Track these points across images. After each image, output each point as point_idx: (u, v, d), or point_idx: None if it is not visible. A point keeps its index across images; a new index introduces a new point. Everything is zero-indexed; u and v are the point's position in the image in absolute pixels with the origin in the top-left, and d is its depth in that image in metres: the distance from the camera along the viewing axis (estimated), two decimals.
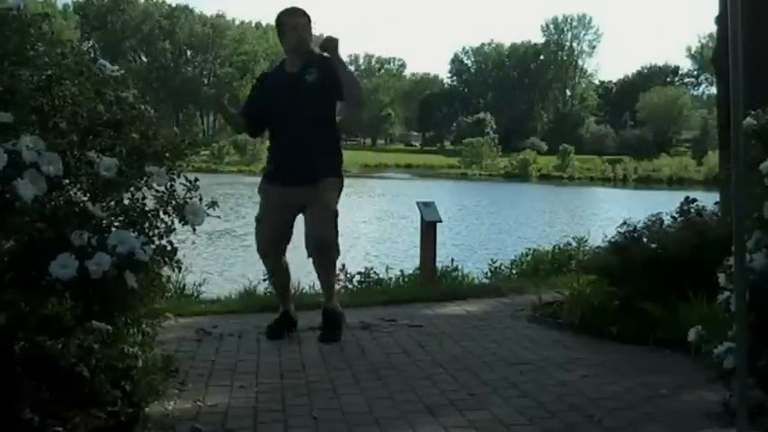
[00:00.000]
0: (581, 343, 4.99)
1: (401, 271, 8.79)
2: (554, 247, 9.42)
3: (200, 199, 3.15)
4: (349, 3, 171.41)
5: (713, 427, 3.19)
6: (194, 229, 3.13)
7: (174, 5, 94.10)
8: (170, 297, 5.73)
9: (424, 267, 7.84)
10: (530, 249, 9.57)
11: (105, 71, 3.10)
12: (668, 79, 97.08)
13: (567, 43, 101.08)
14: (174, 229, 3.10)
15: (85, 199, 2.86)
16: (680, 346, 4.05)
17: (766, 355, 3.04)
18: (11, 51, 2.87)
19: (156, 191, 3.08)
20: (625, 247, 5.29)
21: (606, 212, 25.54)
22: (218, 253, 15.45)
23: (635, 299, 5.01)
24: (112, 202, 3.00)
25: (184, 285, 7.12)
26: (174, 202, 3.08)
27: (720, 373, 3.13)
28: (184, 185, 3.15)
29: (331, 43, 4.97)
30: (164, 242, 3.08)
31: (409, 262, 10.33)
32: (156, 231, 3.06)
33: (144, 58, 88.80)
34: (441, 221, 7.89)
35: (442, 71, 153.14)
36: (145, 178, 3.04)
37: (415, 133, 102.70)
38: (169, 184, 3.09)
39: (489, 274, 9.03)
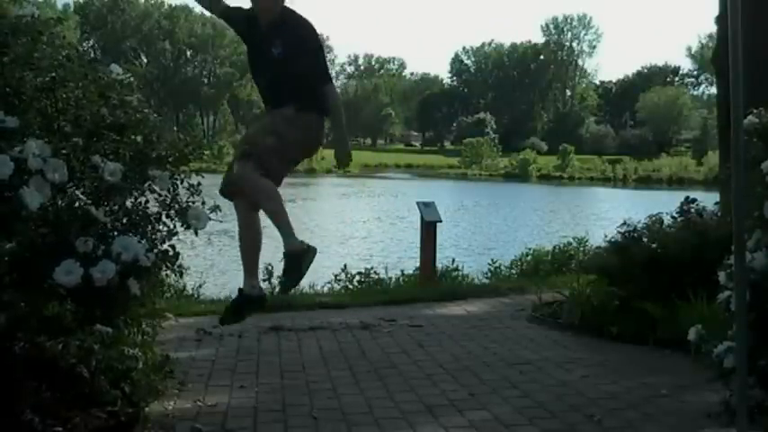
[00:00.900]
0: (581, 343, 4.99)
1: (401, 271, 8.79)
2: (554, 247, 9.42)
3: (203, 203, 3.15)
4: (349, 3, 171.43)
5: (713, 426, 3.19)
6: (196, 233, 3.13)
7: (174, 5, 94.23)
8: (170, 298, 5.74)
9: (423, 267, 7.84)
10: (530, 249, 9.56)
11: (111, 75, 3.11)
12: (668, 79, 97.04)
13: (567, 43, 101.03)
14: (177, 232, 3.11)
15: (89, 202, 2.86)
16: (680, 346, 4.05)
17: (766, 354, 3.03)
18: (21, 56, 2.88)
19: (159, 195, 3.08)
20: (625, 247, 5.29)
21: (606, 213, 25.55)
22: (219, 253, 15.47)
23: (635, 299, 5.01)
24: (115, 206, 3.00)
25: (184, 286, 7.12)
26: (176, 206, 3.09)
27: (720, 372, 3.13)
28: (187, 189, 3.15)
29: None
30: (166, 247, 3.08)
31: (409, 262, 10.34)
32: (159, 235, 3.07)
33: (144, 59, 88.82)
34: (441, 221, 7.89)
35: (442, 71, 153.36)
36: (148, 182, 3.04)
37: (415, 133, 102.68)
38: (172, 188, 3.10)
39: (489, 274, 9.02)
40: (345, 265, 8.40)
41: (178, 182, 3.13)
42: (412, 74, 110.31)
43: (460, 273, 8.67)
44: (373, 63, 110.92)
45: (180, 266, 3.14)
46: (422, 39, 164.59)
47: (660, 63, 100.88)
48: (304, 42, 4.49)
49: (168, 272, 3.17)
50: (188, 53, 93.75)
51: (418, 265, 8.14)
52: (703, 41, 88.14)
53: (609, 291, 5.23)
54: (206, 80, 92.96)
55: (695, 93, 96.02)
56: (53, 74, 2.93)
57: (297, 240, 4.14)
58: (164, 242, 3.08)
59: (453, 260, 9.06)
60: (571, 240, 9.48)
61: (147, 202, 3.07)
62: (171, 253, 3.08)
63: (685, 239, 5.10)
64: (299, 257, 4.19)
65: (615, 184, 53.91)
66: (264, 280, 7.20)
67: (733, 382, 2.96)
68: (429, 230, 7.69)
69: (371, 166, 68.11)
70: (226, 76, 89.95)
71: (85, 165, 2.86)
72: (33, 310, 2.70)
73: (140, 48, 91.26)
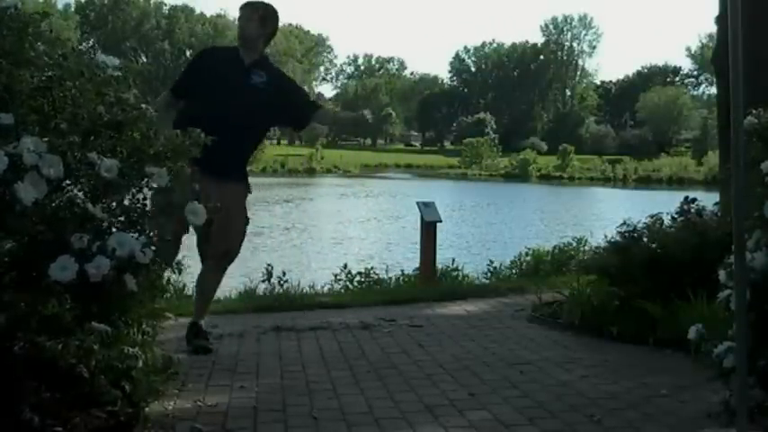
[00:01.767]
0: (581, 343, 4.99)
1: (401, 271, 8.80)
2: (554, 247, 9.42)
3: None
4: (349, 3, 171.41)
5: (713, 426, 3.19)
6: (195, 229, 3.12)
7: (174, 5, 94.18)
8: (170, 297, 5.73)
9: (423, 267, 7.84)
10: (530, 249, 9.57)
11: (107, 70, 3.09)
12: (668, 79, 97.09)
13: (567, 43, 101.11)
14: None
15: (86, 199, 2.85)
16: (680, 346, 4.05)
17: (766, 354, 3.03)
18: (8, 51, 2.86)
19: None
20: (625, 247, 5.29)
21: (606, 213, 25.54)
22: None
23: (635, 299, 5.01)
24: (113, 203, 3.00)
25: (184, 285, 7.12)
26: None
27: (720, 372, 3.13)
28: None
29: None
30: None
31: (409, 262, 10.34)
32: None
33: (144, 59, 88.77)
34: (441, 221, 7.90)
35: (442, 71, 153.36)
36: (145, 179, 3.03)
37: (415, 133, 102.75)
38: (169, 184, 3.08)
39: (489, 274, 9.03)
40: (345, 265, 8.41)
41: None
42: (412, 74, 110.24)
43: (460, 273, 8.68)
44: (373, 63, 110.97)
45: (178, 263, 3.14)
46: (422, 39, 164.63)
47: (660, 63, 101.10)
48: (287, 77, 4.83)
49: (168, 270, 3.15)
50: (188, 53, 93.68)
51: (418, 265, 8.14)
52: (703, 41, 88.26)
53: (609, 291, 5.23)
54: None
55: (695, 93, 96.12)
56: (50, 73, 2.92)
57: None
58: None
59: (453, 260, 9.07)
60: (571, 240, 9.48)
61: (144, 198, 3.06)
62: None
63: (685, 239, 5.10)
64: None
65: (615, 184, 53.93)
66: (263, 280, 7.21)
67: (733, 382, 2.96)
68: (429, 230, 7.70)
69: (371, 166, 68.17)
70: None
71: (82, 162, 2.85)
72: (33, 309, 2.69)
73: (140, 48, 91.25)
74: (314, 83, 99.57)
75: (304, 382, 4.05)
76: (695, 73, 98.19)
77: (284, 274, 7.19)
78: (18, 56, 2.88)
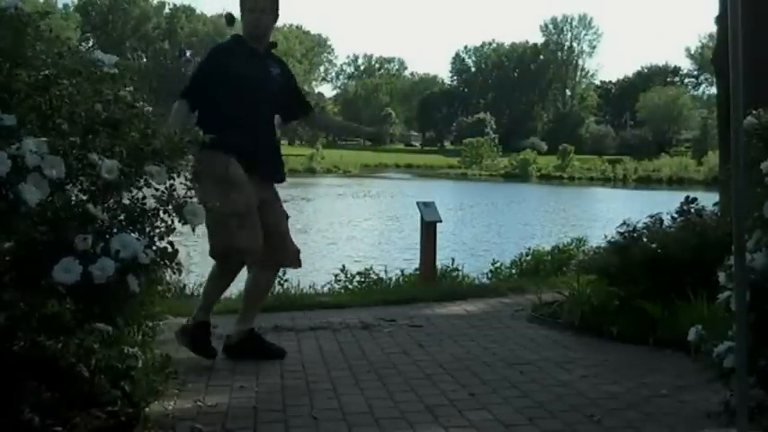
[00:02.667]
0: (581, 343, 4.99)
1: (401, 271, 8.80)
2: (554, 247, 9.43)
3: None
4: (349, 3, 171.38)
5: (713, 426, 3.19)
6: (194, 230, 3.11)
7: (175, 5, 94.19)
8: (170, 297, 5.73)
9: (424, 267, 7.85)
10: (530, 249, 9.57)
11: (103, 67, 3.09)
12: (668, 79, 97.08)
13: (567, 43, 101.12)
14: (175, 228, 3.09)
15: (86, 199, 2.85)
16: (680, 346, 4.05)
17: (766, 354, 3.03)
18: (7, 51, 2.86)
19: (156, 190, 3.07)
20: (625, 247, 5.29)
21: (606, 213, 25.54)
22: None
23: (635, 299, 5.01)
24: (113, 202, 3.00)
25: (184, 285, 7.12)
26: (173, 202, 3.07)
27: (720, 372, 3.13)
28: (184, 185, 3.13)
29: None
30: (164, 244, 3.07)
31: (409, 262, 10.34)
32: (157, 231, 3.06)
33: (144, 59, 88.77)
34: (441, 221, 7.90)
35: (443, 71, 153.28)
36: (144, 177, 3.03)
37: (415, 133, 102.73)
38: (169, 183, 3.08)
39: (489, 274, 9.03)
40: (344, 266, 8.41)
41: (175, 176, 3.10)
42: (412, 74, 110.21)
43: (460, 273, 8.68)
44: (373, 63, 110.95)
45: (178, 264, 3.13)
46: (422, 39, 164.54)
47: (660, 63, 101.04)
48: (292, 77, 4.81)
49: (167, 270, 3.14)
50: (188, 53, 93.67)
51: (418, 265, 8.14)
52: (703, 41, 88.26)
53: (609, 291, 5.23)
54: None
55: (695, 93, 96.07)
56: (46, 72, 2.91)
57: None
58: (162, 238, 3.06)
59: (453, 260, 9.07)
60: (571, 240, 9.48)
61: (144, 197, 3.05)
62: (170, 250, 3.06)
63: (685, 239, 5.10)
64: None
65: (615, 184, 53.92)
66: None
67: (733, 382, 2.96)
68: (429, 230, 7.70)
69: (371, 166, 68.12)
70: None
71: (82, 162, 2.85)
72: (33, 309, 2.69)
73: (140, 47, 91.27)
74: (314, 83, 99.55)
75: (304, 382, 4.05)
76: (695, 73, 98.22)
77: (284, 273, 7.19)
78: (16, 55, 2.88)
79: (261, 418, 3.48)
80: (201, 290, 4.71)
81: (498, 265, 9.25)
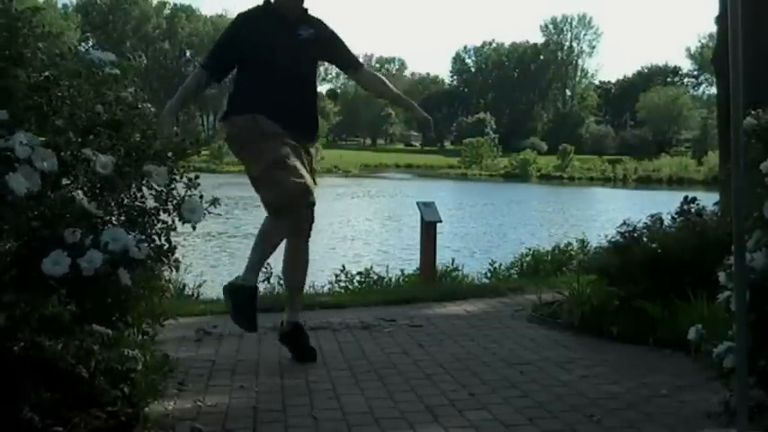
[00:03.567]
0: (581, 343, 4.99)
1: (401, 271, 8.81)
2: (554, 247, 9.43)
3: (201, 197, 3.13)
4: (349, 3, 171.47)
5: (713, 426, 3.19)
6: (194, 228, 3.11)
7: (175, 5, 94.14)
8: (170, 297, 5.72)
9: (424, 267, 7.85)
10: (530, 249, 9.58)
11: (104, 68, 3.08)
12: (668, 79, 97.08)
13: (567, 43, 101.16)
14: (175, 227, 3.09)
15: (82, 197, 2.85)
16: (680, 346, 4.05)
17: (766, 354, 3.03)
18: (1, 48, 2.85)
19: (156, 190, 3.07)
20: (625, 247, 5.29)
21: (606, 213, 25.55)
22: (219, 252, 15.48)
23: (635, 299, 5.01)
24: (111, 201, 2.99)
25: (184, 285, 7.13)
26: (173, 200, 3.07)
27: (720, 372, 3.13)
28: (184, 183, 3.13)
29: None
30: (162, 241, 3.06)
31: (409, 262, 10.35)
32: (156, 230, 3.05)
33: (144, 59, 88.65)
34: (441, 221, 7.90)
35: (443, 71, 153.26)
36: (145, 178, 3.03)
37: (415, 133, 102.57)
38: (168, 183, 3.08)
39: (489, 274, 9.03)
40: (344, 266, 8.42)
41: (177, 176, 3.10)
42: (412, 74, 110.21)
43: (460, 273, 8.68)
44: (373, 63, 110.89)
45: (176, 261, 3.12)
46: (422, 39, 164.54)
47: (660, 63, 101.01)
48: (330, 30, 4.59)
49: (165, 268, 3.14)
50: (188, 53, 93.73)
51: (418, 265, 8.14)
52: (703, 41, 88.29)
53: (609, 291, 5.23)
54: None
55: (695, 93, 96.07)
56: (47, 73, 2.91)
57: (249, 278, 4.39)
58: (161, 237, 3.06)
59: (453, 260, 9.08)
60: (571, 240, 9.49)
61: (143, 196, 3.05)
62: (166, 246, 3.06)
63: (685, 239, 5.10)
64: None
65: (615, 184, 53.95)
66: (263, 280, 7.21)
67: (733, 382, 2.96)
68: (429, 230, 7.70)
69: (371, 166, 68.14)
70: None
71: (78, 158, 2.84)
72: (33, 309, 2.69)
73: (140, 48, 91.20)
74: None
75: (304, 382, 4.05)
76: (695, 73, 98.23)
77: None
78: (11, 52, 2.87)
79: (261, 418, 3.48)
80: (250, 251, 4.48)
81: (498, 265, 9.25)
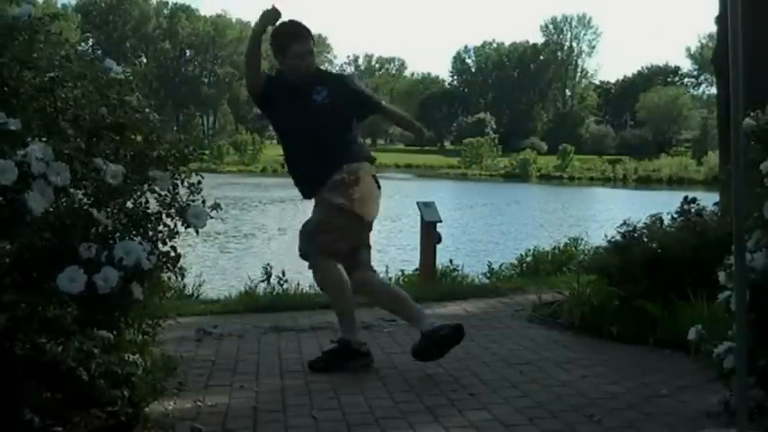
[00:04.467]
0: (581, 343, 4.99)
1: (401, 271, 8.79)
2: (554, 247, 9.42)
3: (203, 202, 3.14)
4: (349, 3, 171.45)
5: (713, 426, 3.19)
6: (197, 232, 3.12)
7: (175, 5, 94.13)
8: (170, 297, 5.73)
9: (424, 267, 7.84)
10: (530, 249, 9.57)
11: (110, 73, 3.09)
12: (668, 79, 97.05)
13: (567, 43, 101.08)
14: (178, 232, 3.10)
15: (89, 203, 2.85)
16: (680, 346, 4.06)
17: (766, 354, 3.04)
18: (18, 56, 2.87)
19: (159, 195, 3.08)
20: (625, 247, 5.29)
21: (606, 213, 25.53)
22: (219, 252, 15.48)
23: (635, 299, 5.01)
24: (116, 208, 3.00)
25: (184, 285, 7.12)
26: (176, 206, 3.08)
27: (720, 372, 3.13)
28: (187, 188, 3.14)
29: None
30: (167, 248, 3.07)
31: (409, 262, 10.34)
32: (160, 235, 3.06)
33: (144, 59, 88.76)
34: (441, 221, 7.89)
35: (443, 71, 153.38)
36: (149, 183, 3.04)
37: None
38: (172, 187, 3.09)
39: (489, 274, 9.02)
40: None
41: (179, 181, 3.12)
42: (412, 74, 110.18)
43: (460, 273, 8.67)
44: (373, 63, 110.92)
45: (181, 268, 3.14)
46: (422, 39, 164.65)
47: (660, 63, 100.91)
48: (347, 85, 4.64)
49: (170, 274, 3.15)
50: (188, 53, 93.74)
51: (418, 265, 8.14)
52: (703, 41, 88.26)
53: (609, 291, 5.23)
54: (206, 80, 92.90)
55: (695, 93, 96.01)
56: (52, 74, 2.92)
57: (346, 334, 4.38)
58: (165, 242, 3.07)
59: (452, 260, 9.06)
60: (571, 240, 9.48)
61: (147, 202, 3.06)
62: (172, 254, 3.07)
63: (685, 239, 5.10)
64: (338, 351, 4.37)
65: (615, 184, 53.91)
66: (263, 280, 7.22)
67: (733, 382, 2.97)
68: (429, 230, 7.69)
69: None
70: (226, 76, 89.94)
71: (87, 167, 2.85)
72: (33, 311, 2.69)
73: (140, 47, 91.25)
74: None
75: (304, 382, 4.05)
76: (695, 73, 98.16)
77: (284, 274, 7.20)
78: (26, 59, 2.89)
79: (261, 418, 3.48)
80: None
81: (498, 265, 9.25)
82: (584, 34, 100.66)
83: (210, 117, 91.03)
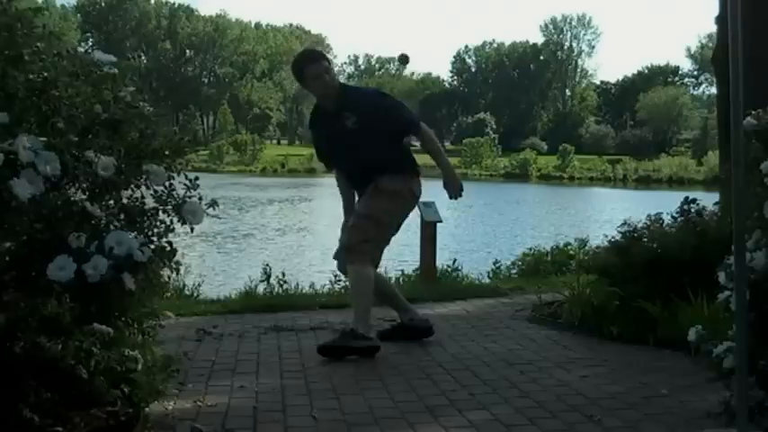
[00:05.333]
0: (581, 343, 4.99)
1: (401, 271, 8.79)
2: (554, 247, 9.42)
3: (200, 198, 3.12)
4: (349, 3, 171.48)
5: (713, 426, 3.19)
6: (192, 230, 3.10)
7: (175, 4, 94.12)
8: (170, 297, 5.73)
9: (424, 267, 7.84)
10: (530, 249, 9.56)
11: (102, 67, 3.07)
12: (668, 79, 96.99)
13: (567, 43, 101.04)
14: (174, 228, 3.09)
15: (84, 197, 2.85)
16: (680, 346, 4.05)
17: (766, 354, 3.03)
18: (0, 48, 2.85)
19: (155, 190, 3.06)
20: (625, 248, 5.29)
21: (606, 213, 25.54)
22: (218, 252, 15.48)
23: (635, 299, 5.01)
24: (111, 202, 2.99)
25: (184, 285, 7.12)
26: (172, 201, 3.07)
27: (720, 372, 3.12)
28: (184, 184, 3.12)
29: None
30: (163, 242, 3.06)
31: (409, 262, 10.33)
32: (156, 231, 3.05)
33: (144, 59, 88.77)
34: (441, 221, 7.88)
35: (443, 71, 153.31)
36: (143, 177, 3.03)
37: None
38: (168, 182, 3.07)
39: (489, 274, 9.02)
40: None
41: (175, 175, 3.09)
42: (412, 74, 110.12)
43: (460, 273, 8.67)
44: (373, 63, 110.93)
45: (177, 263, 3.12)
46: (422, 39, 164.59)
47: (660, 63, 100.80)
48: (376, 105, 4.74)
49: (166, 269, 3.14)
50: (188, 53, 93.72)
51: (418, 265, 8.13)
52: (703, 41, 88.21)
53: (609, 291, 5.23)
54: (206, 80, 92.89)
55: (695, 93, 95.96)
56: (45, 74, 2.91)
57: (359, 324, 4.63)
58: (160, 238, 3.06)
59: (454, 260, 9.06)
60: (571, 240, 9.47)
61: (143, 197, 3.05)
62: (168, 248, 3.06)
63: (685, 239, 5.10)
64: (349, 336, 4.61)
65: (615, 185, 53.92)
66: (263, 280, 7.22)
67: (733, 382, 2.96)
68: (429, 230, 7.69)
69: None
70: (226, 76, 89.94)
71: (79, 160, 2.84)
72: (33, 310, 2.69)
73: (140, 47, 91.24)
74: None
75: (304, 382, 4.05)
76: (695, 73, 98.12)
77: (284, 274, 7.20)
78: (11, 52, 2.86)
79: (261, 418, 3.48)
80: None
81: (498, 265, 9.24)
82: (584, 34, 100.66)
83: (210, 117, 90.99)
